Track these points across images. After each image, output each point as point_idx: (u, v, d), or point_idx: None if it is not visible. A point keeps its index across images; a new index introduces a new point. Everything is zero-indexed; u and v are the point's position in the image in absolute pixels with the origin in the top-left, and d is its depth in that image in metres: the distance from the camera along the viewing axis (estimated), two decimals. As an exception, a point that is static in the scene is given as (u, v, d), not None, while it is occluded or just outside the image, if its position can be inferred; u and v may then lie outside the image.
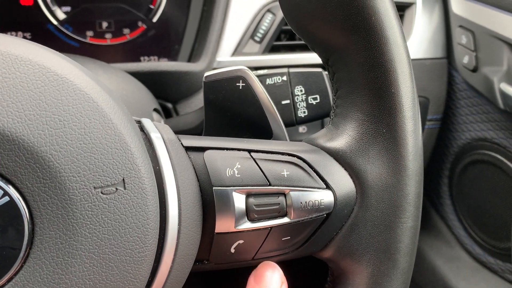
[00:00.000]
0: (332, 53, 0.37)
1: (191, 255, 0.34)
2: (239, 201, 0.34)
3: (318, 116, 0.52)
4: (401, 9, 0.83)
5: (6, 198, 0.27)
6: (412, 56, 0.82)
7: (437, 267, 0.95)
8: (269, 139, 0.46)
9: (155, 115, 0.59)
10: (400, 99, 0.35)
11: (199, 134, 0.51)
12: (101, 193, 0.29)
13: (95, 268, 0.29)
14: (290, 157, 0.36)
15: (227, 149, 0.36)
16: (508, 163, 0.79)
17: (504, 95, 0.73)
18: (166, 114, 0.72)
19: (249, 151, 0.36)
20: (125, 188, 0.29)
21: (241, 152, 0.36)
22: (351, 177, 0.36)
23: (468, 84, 0.84)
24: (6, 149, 0.27)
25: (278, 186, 0.35)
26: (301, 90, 0.51)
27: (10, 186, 0.27)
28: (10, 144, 0.27)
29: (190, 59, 0.78)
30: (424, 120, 0.87)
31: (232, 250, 0.36)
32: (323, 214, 0.36)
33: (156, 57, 0.78)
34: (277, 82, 0.51)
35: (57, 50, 0.33)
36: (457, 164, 0.91)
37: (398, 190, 0.35)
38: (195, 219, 0.33)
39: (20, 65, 0.28)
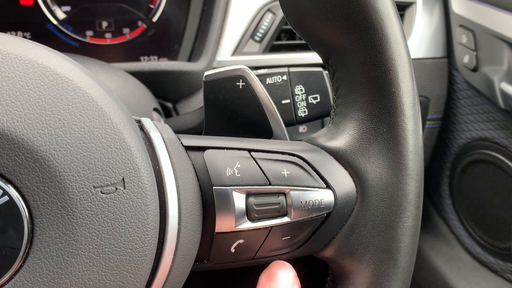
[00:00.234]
0: (332, 52, 0.37)
1: (191, 255, 0.34)
2: (239, 200, 0.34)
3: (318, 116, 0.52)
4: (402, 9, 0.83)
5: (6, 198, 0.27)
6: (413, 56, 0.82)
7: (438, 266, 0.95)
8: (269, 138, 0.46)
9: (155, 114, 0.59)
10: (401, 98, 0.35)
11: (199, 133, 0.51)
12: (101, 192, 0.29)
13: (94, 267, 0.29)
14: (290, 156, 0.36)
15: (227, 148, 0.36)
16: (509, 162, 0.79)
17: (504, 94, 0.73)
18: (166, 113, 0.72)
19: (249, 150, 0.36)
20: (124, 188, 0.29)
21: (241, 151, 0.36)
22: (352, 177, 0.36)
23: (468, 84, 0.84)
24: (6, 148, 0.27)
25: (278, 185, 0.35)
26: (301, 90, 0.51)
27: (10, 186, 0.27)
28: (10, 143, 0.27)
29: (190, 58, 0.78)
30: (424, 119, 0.87)
31: (232, 250, 0.36)
32: (324, 214, 0.36)
33: (156, 57, 0.78)
34: (277, 81, 0.51)
35: (57, 50, 0.33)
36: (457, 163, 0.91)
37: (398, 189, 0.35)
38: (195, 219, 0.33)
39: (20, 65, 0.28)
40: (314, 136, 0.39)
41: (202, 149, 0.35)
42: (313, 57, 0.75)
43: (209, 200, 0.34)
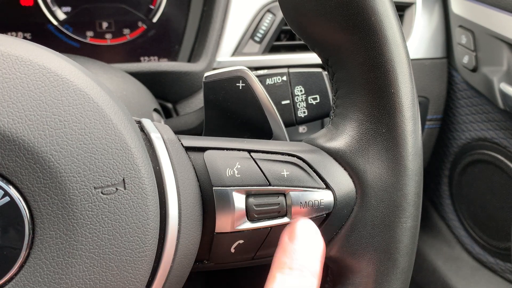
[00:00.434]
0: (332, 53, 0.37)
1: (191, 255, 0.34)
2: (239, 201, 0.34)
3: (318, 116, 0.52)
4: (401, 9, 0.83)
5: (7, 199, 0.27)
6: (412, 56, 0.82)
7: (437, 267, 0.95)
8: (269, 139, 0.46)
9: (155, 115, 0.59)
10: (400, 99, 0.35)
11: (199, 134, 0.51)
12: (101, 193, 0.29)
13: (95, 268, 0.29)
14: (290, 157, 0.36)
15: (227, 149, 0.36)
16: (508, 163, 0.79)
17: (504, 95, 0.73)
18: (166, 114, 0.72)
19: (249, 151, 0.36)
20: (125, 188, 0.29)
21: (241, 152, 0.36)
22: (351, 177, 0.36)
23: (468, 84, 0.84)
24: (7, 149, 0.27)
25: (278, 186, 0.35)
26: (301, 90, 0.51)
27: (11, 187, 0.27)
28: (11, 144, 0.27)
29: (190, 59, 0.78)
30: (424, 120, 0.87)
31: (232, 250, 0.36)
32: (323, 214, 0.36)
33: (156, 57, 0.78)
34: (277, 82, 0.51)
35: (57, 51, 0.33)
36: (457, 164, 0.91)
37: (397, 190, 0.35)
38: (195, 219, 0.33)
39: (20, 66, 0.28)
40: (313, 137, 0.39)
41: (202, 149, 0.36)
42: (313, 57, 0.75)
43: (209, 201, 0.34)
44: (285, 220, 0.35)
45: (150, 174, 0.31)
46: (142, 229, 0.30)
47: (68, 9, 0.74)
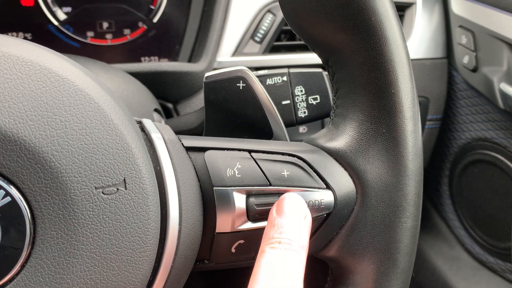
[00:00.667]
0: (332, 53, 0.37)
1: (192, 255, 0.34)
2: (239, 201, 0.34)
3: (318, 116, 0.52)
4: (401, 9, 0.84)
5: (8, 199, 0.27)
6: (412, 56, 0.82)
7: (437, 266, 0.95)
8: (270, 139, 0.46)
9: (156, 115, 0.59)
10: (400, 99, 0.35)
11: (200, 134, 0.51)
12: (102, 193, 0.29)
13: (96, 268, 0.29)
14: (291, 157, 0.36)
15: (227, 149, 0.36)
16: (508, 163, 0.79)
17: (504, 95, 0.73)
18: (167, 114, 0.72)
19: (250, 151, 0.36)
20: (126, 188, 0.29)
21: (242, 152, 0.36)
22: (351, 177, 0.36)
23: (468, 84, 0.84)
24: (8, 149, 0.27)
25: (279, 186, 0.35)
26: (301, 90, 0.51)
27: (12, 187, 0.27)
28: (12, 144, 0.27)
29: (190, 59, 0.78)
30: (424, 120, 0.87)
31: (233, 250, 0.36)
32: (323, 214, 0.36)
33: (156, 58, 0.78)
34: (277, 82, 0.51)
35: (57, 51, 0.33)
36: (457, 164, 0.91)
37: (398, 190, 0.35)
38: (196, 219, 0.34)
39: (21, 66, 0.28)
40: (314, 137, 0.39)
41: (203, 149, 0.36)
42: (313, 57, 0.75)
43: (210, 201, 0.34)
44: (285, 220, 0.35)
45: (151, 174, 0.31)
46: (143, 229, 0.30)
47: (68, 9, 0.74)
